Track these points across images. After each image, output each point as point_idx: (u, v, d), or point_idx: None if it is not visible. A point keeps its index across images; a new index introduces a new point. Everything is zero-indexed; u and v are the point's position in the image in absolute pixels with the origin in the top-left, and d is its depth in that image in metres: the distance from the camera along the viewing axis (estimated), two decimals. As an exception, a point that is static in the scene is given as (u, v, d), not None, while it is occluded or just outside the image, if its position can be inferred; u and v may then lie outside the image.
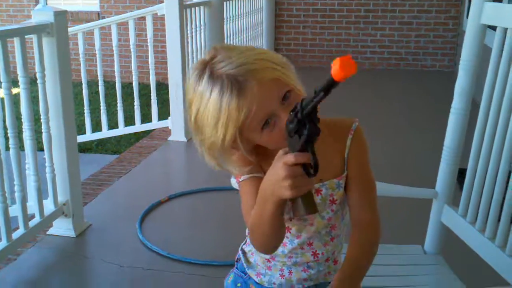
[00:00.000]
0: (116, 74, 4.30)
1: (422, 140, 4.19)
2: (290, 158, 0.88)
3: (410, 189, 1.65)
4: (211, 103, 0.98)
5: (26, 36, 2.28)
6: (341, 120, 1.15)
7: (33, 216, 2.44)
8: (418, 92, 6.03)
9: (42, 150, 2.46)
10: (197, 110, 1.01)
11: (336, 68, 0.69)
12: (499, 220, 1.37)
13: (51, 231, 2.62)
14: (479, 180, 1.44)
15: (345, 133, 1.12)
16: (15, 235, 2.28)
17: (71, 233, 2.60)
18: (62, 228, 2.62)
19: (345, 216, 1.19)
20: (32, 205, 2.43)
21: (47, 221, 2.51)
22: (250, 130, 1.00)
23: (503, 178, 1.36)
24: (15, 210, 2.33)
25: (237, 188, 1.14)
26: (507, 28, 1.36)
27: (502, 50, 1.39)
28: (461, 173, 1.55)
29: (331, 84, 0.73)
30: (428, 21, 7.08)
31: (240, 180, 1.10)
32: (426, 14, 7.06)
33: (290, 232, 1.15)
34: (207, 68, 1.00)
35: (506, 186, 1.35)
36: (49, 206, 2.51)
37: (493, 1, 1.43)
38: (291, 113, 0.88)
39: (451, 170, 1.57)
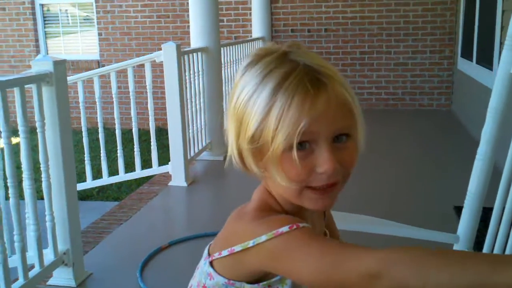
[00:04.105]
0: (116, 121, 4.34)
1: (427, 179, 4.18)
2: None
3: (432, 232, 1.61)
4: (270, 83, 0.78)
5: (25, 86, 2.31)
6: None
7: (32, 266, 2.40)
8: (417, 131, 6.06)
9: (42, 198, 2.45)
10: (246, 90, 0.81)
11: None
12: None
13: (51, 281, 2.58)
14: (506, 222, 1.41)
15: None
16: (15, 286, 2.24)
17: (72, 283, 2.57)
18: (62, 278, 2.58)
19: None
20: (32, 255, 2.41)
21: (47, 271, 2.48)
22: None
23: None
24: (14, 261, 2.30)
25: None
26: None
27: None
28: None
29: None
30: (423, 61, 7.18)
31: (293, 227, 0.78)
32: (420, 54, 7.17)
33: None
34: (278, 52, 0.82)
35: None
36: (49, 255, 2.49)
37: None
38: None
39: (474, 215, 1.54)
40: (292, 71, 0.78)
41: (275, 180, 0.81)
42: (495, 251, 1.42)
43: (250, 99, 0.79)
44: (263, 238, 0.78)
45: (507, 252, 1.38)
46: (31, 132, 2.34)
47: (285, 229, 0.77)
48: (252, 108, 0.79)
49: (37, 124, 2.39)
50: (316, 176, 0.79)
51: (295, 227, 0.78)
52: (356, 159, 0.82)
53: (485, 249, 1.46)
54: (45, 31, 8.62)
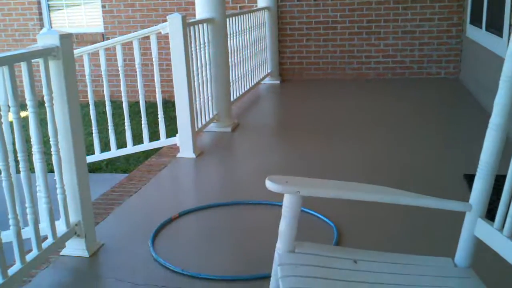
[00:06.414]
0: (123, 93, 4.34)
1: (435, 148, 4.18)
2: None
3: (443, 201, 1.59)
4: None
5: (32, 60, 2.31)
6: None
7: (45, 238, 2.45)
8: (425, 100, 6.02)
9: (52, 171, 2.48)
10: None
11: None
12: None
13: (64, 251, 2.63)
14: None
15: None
16: (29, 257, 2.29)
17: (85, 253, 2.61)
18: (75, 248, 2.63)
19: None
20: (44, 227, 2.44)
21: (60, 242, 2.52)
22: None
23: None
24: (27, 233, 2.34)
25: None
26: None
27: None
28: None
29: None
30: (431, 29, 7.09)
31: None
32: (429, 22, 7.08)
33: None
34: None
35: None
36: (61, 227, 2.53)
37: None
38: None
39: (486, 184, 1.52)
40: None
41: None
42: (508, 219, 1.42)
43: None
44: None
45: None
46: (39, 105, 2.35)
47: None
48: None
49: (45, 98, 2.39)
50: None
51: None
52: None
53: (497, 217, 1.46)
54: (48, 4, 8.57)
